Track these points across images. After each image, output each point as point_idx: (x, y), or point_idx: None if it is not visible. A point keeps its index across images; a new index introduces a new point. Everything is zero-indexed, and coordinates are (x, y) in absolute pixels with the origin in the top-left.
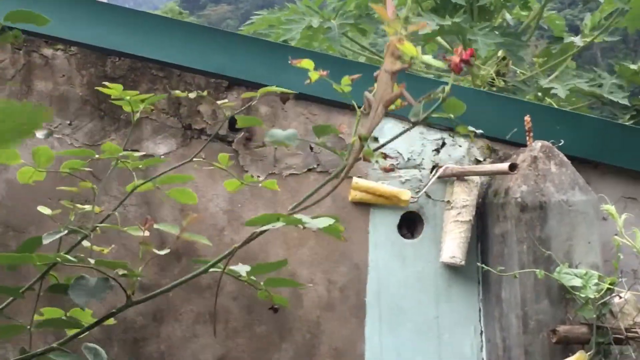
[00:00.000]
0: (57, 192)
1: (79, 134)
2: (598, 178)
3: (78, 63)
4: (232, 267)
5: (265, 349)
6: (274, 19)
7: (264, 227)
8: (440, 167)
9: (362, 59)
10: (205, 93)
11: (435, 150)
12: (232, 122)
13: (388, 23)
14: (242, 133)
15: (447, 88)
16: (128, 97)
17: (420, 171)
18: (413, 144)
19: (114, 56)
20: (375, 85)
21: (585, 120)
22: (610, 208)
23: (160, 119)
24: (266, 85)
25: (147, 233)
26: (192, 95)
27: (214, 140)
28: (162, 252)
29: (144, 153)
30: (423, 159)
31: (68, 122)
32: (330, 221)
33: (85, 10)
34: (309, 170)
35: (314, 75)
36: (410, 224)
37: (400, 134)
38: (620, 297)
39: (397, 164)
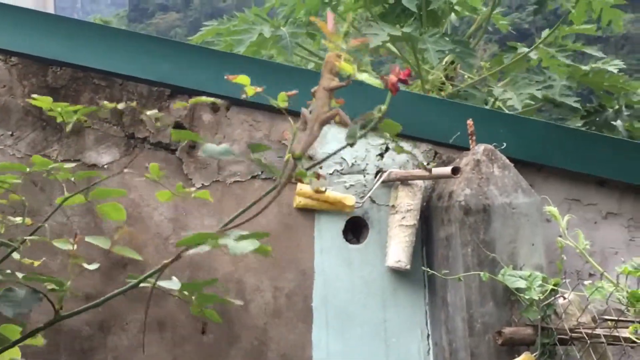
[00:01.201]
0: None
1: (21, 144)
2: (542, 180)
3: (19, 73)
4: (162, 283)
5: (213, 356)
6: (223, 29)
7: (193, 251)
8: (385, 171)
9: (311, 65)
10: (134, 104)
11: (379, 155)
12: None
13: (328, 38)
14: (186, 141)
15: (384, 108)
16: (59, 109)
17: (364, 176)
18: (357, 149)
19: (56, 66)
20: (313, 101)
21: (529, 123)
22: (553, 210)
23: (103, 128)
24: (209, 93)
25: (75, 247)
26: (120, 106)
27: (158, 148)
28: (92, 267)
29: (75, 165)
30: (367, 164)
31: (10, 132)
32: (256, 244)
33: (26, 20)
34: (254, 177)
35: (250, 91)
36: (355, 229)
37: (336, 152)
38: (565, 298)
39: (342, 169)
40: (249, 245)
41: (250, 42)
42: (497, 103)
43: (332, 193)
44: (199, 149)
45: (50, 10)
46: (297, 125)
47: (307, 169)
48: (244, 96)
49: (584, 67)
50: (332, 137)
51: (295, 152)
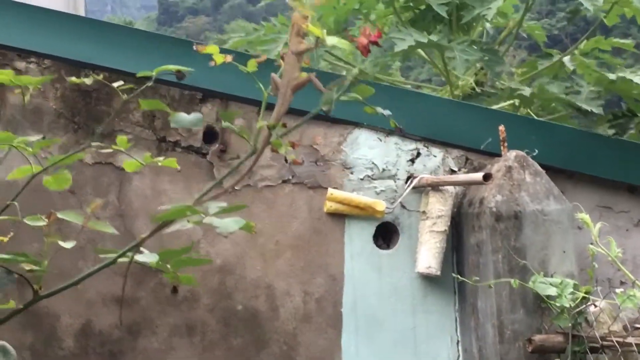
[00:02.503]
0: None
1: (53, 147)
2: (573, 187)
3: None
4: (139, 256)
5: None
6: (252, 39)
7: (173, 227)
8: (415, 177)
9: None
10: (100, 77)
11: (410, 160)
12: (206, 134)
13: (292, 1)
14: (217, 145)
15: (355, 71)
16: (18, 82)
17: (395, 182)
18: (388, 154)
19: (88, 69)
20: (282, 65)
21: (560, 130)
22: (585, 217)
23: (135, 132)
24: (240, 97)
25: (47, 223)
26: (88, 81)
27: (189, 152)
28: (67, 245)
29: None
30: (398, 169)
31: (42, 135)
32: (241, 222)
33: (59, 23)
34: (284, 181)
35: (219, 59)
36: (386, 234)
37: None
38: (596, 306)
39: (372, 174)
40: (234, 224)
41: (278, 50)
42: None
43: (363, 198)
44: (229, 153)
45: (81, 13)
46: (267, 91)
47: (281, 137)
48: (212, 63)
49: (610, 76)
50: (363, 142)
51: (270, 122)
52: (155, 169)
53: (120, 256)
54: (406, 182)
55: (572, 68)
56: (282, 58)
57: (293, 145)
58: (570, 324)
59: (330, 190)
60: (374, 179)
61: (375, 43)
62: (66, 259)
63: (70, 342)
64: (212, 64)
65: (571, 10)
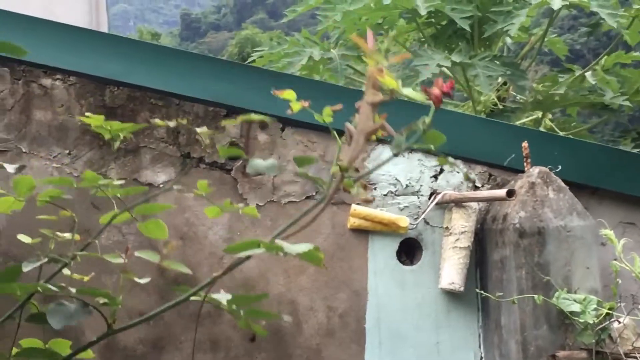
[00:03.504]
0: (56, 222)
1: (78, 163)
2: (596, 203)
3: (77, 93)
4: (214, 296)
5: None
6: (275, 54)
7: (245, 253)
8: (439, 193)
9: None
10: (185, 121)
11: (433, 176)
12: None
13: (369, 55)
14: (241, 161)
15: (428, 119)
16: (109, 127)
17: (418, 198)
18: (411, 170)
19: (113, 85)
20: (357, 115)
21: (583, 145)
22: (609, 233)
23: (159, 148)
24: (264, 113)
25: (125, 260)
26: (171, 124)
27: (214, 168)
28: (143, 281)
29: (122, 182)
30: (421, 185)
31: (67, 151)
32: (310, 246)
33: (84, 39)
34: (308, 197)
35: (296, 106)
36: (409, 250)
37: (380, 165)
38: (620, 322)
39: (396, 190)
40: (304, 247)
41: (301, 65)
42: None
43: (386, 214)
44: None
45: (104, 29)
46: (342, 139)
47: (355, 181)
48: (289, 112)
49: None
50: (387, 158)
51: (342, 164)
52: (180, 184)
53: (192, 294)
54: (429, 198)
55: (593, 83)
56: (357, 109)
57: (365, 187)
58: (593, 341)
59: (354, 206)
60: (397, 195)
61: (448, 94)
62: (91, 272)
63: (95, 356)
64: (289, 112)
65: (591, 24)
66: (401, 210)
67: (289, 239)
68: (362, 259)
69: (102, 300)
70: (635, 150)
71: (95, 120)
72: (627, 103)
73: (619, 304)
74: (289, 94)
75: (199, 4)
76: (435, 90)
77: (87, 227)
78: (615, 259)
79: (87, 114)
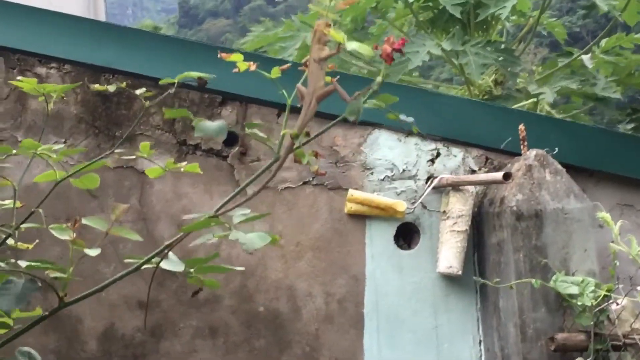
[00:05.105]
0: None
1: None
2: (593, 185)
3: (72, 81)
4: (164, 263)
5: None
6: (270, 37)
7: (198, 241)
8: (436, 177)
9: (353, 69)
10: (124, 85)
11: (430, 160)
12: (226, 137)
13: (316, 2)
14: (237, 148)
15: (379, 80)
16: (42, 90)
17: (415, 182)
18: (408, 155)
19: (108, 73)
20: (305, 73)
21: (580, 128)
22: (606, 215)
23: (155, 135)
24: (260, 99)
25: (73, 234)
26: (111, 88)
27: (210, 155)
28: (93, 253)
29: (60, 146)
30: (418, 169)
31: (63, 140)
32: (267, 239)
33: (79, 28)
34: (305, 183)
35: (242, 66)
36: (406, 234)
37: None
38: (618, 304)
39: (392, 175)
40: (259, 241)
41: (295, 49)
42: (541, 103)
43: (383, 199)
44: (249, 156)
45: (101, 17)
46: (290, 99)
47: (304, 144)
48: (235, 70)
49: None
50: (383, 143)
51: (293, 131)
52: (176, 172)
53: (145, 262)
54: (426, 183)
55: (590, 66)
56: (306, 65)
57: (316, 155)
58: (592, 323)
59: (351, 192)
60: (394, 180)
61: (399, 51)
62: (88, 262)
63: (94, 345)
64: (235, 71)
65: (586, 6)
66: (398, 194)
67: (280, 226)
68: (360, 244)
69: (53, 274)
70: (631, 126)
71: (28, 83)
72: (618, 95)
73: (616, 286)
74: (235, 57)
75: None
76: (387, 47)
77: (83, 213)
78: (612, 241)
79: (18, 77)
